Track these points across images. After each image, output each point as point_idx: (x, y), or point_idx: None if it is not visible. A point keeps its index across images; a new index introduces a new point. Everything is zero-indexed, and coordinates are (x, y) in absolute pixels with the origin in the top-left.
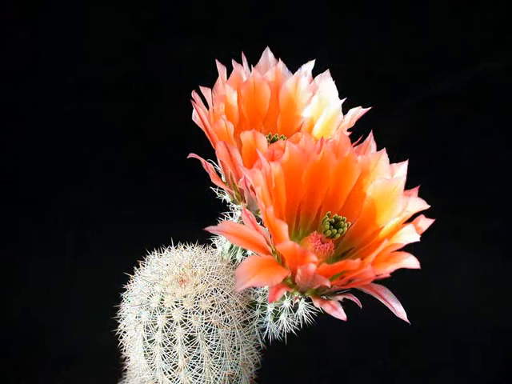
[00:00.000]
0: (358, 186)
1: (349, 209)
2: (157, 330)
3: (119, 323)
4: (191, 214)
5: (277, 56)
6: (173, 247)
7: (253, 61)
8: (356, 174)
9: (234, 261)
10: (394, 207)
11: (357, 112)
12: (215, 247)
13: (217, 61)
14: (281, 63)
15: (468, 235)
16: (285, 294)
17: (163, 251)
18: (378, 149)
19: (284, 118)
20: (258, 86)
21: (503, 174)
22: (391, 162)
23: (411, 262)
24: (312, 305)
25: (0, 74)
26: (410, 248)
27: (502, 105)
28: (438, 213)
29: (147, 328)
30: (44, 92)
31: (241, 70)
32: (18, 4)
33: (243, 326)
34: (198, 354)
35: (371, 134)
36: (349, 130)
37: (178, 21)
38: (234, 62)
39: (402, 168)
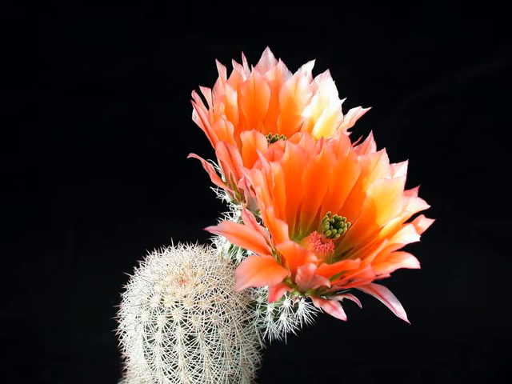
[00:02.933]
0: (357, 185)
1: (349, 209)
2: (157, 330)
3: (119, 323)
4: (191, 214)
5: (277, 56)
6: (173, 247)
7: (253, 61)
8: (356, 174)
9: (234, 261)
10: (394, 207)
11: (357, 112)
12: (215, 247)
13: (217, 61)
14: (281, 63)
15: (468, 235)
16: (285, 294)
17: (163, 251)
18: (378, 149)
19: (284, 118)
20: (258, 86)
21: (503, 174)
22: (391, 162)
23: (411, 262)
24: (312, 305)
25: (0, 74)
26: (409, 248)
27: (501, 105)
28: (438, 213)
29: (147, 328)
30: (44, 92)
31: (241, 70)
32: (18, 3)
33: (243, 326)
34: (198, 354)
35: (371, 134)
36: (349, 130)
37: (179, 21)
38: (233, 62)
39: (402, 168)
